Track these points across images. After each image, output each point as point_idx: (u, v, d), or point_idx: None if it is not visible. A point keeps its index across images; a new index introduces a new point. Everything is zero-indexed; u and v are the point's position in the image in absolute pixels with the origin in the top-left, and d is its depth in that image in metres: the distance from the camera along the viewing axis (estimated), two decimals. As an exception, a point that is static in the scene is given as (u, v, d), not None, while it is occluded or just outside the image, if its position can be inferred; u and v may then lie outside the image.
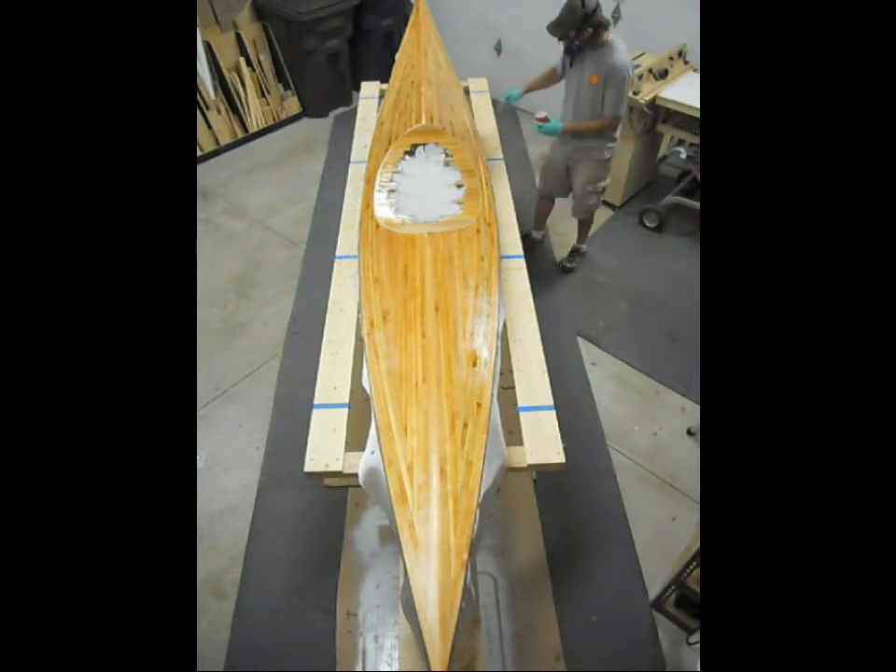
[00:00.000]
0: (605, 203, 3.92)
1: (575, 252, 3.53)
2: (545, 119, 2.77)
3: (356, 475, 1.46)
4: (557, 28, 2.53)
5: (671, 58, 3.51)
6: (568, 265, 3.48)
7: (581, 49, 2.62)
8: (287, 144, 4.64)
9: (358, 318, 1.80)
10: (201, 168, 4.25)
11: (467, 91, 3.08)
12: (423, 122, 2.35)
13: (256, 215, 3.91)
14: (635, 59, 3.69)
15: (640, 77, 3.34)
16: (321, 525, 2.26)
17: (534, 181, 4.02)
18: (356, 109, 3.10)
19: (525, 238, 3.37)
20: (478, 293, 1.69)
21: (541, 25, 3.94)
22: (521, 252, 2.15)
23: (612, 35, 2.60)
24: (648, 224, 3.75)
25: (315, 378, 1.69)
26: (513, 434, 1.57)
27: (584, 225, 3.42)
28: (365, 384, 1.52)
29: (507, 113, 4.21)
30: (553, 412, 1.60)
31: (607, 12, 3.87)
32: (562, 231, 3.75)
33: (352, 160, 2.65)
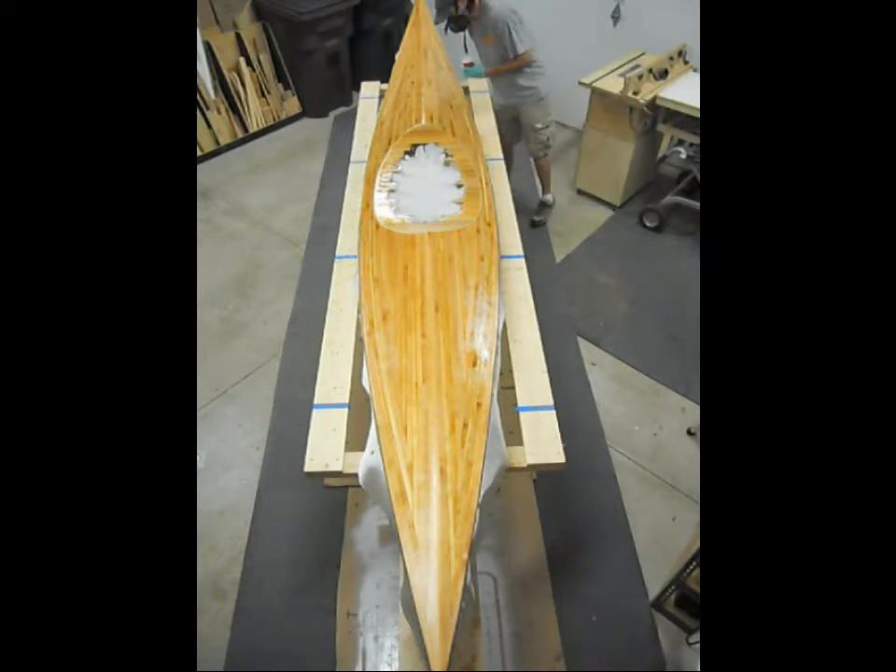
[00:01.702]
0: (605, 203, 3.94)
1: (542, 204, 3.73)
2: (471, 64, 3.16)
3: (356, 475, 1.46)
4: (440, 14, 2.91)
5: (671, 58, 3.51)
6: (537, 219, 3.67)
7: (467, 21, 2.97)
8: (287, 144, 4.64)
9: (358, 318, 1.80)
10: (201, 168, 4.26)
11: (467, 91, 3.08)
12: (423, 122, 2.35)
13: (256, 215, 3.91)
14: (635, 59, 3.71)
15: (640, 77, 3.34)
16: (321, 525, 2.26)
17: (534, 181, 4.03)
18: (356, 109, 3.09)
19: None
20: (478, 293, 1.69)
21: (541, 25, 3.94)
22: (521, 252, 2.15)
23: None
24: (648, 224, 3.75)
25: (315, 378, 1.69)
26: (513, 434, 1.57)
27: (543, 172, 3.63)
28: (365, 384, 1.51)
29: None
30: (553, 412, 1.60)
31: (606, 12, 3.92)
32: (562, 231, 3.75)
33: (352, 160, 2.65)
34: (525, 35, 3.01)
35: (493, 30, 2.94)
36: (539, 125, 3.37)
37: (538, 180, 3.75)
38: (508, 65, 3.10)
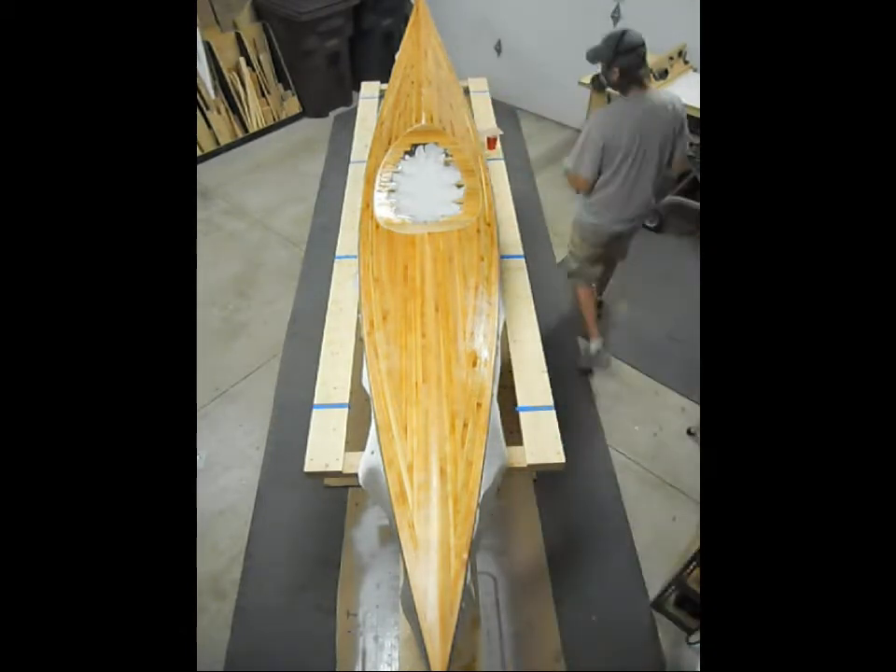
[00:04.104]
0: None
1: (585, 352, 2.79)
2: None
3: (356, 475, 1.46)
4: (591, 55, 2.23)
5: (671, 58, 3.51)
6: (582, 366, 2.85)
7: (605, 87, 2.34)
8: (286, 144, 4.63)
9: (358, 318, 1.80)
10: (201, 168, 4.25)
11: (467, 91, 3.08)
12: (423, 122, 2.35)
13: (256, 215, 3.91)
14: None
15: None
16: (321, 525, 2.26)
17: (534, 181, 4.00)
18: (356, 109, 3.10)
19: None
20: (478, 293, 1.69)
21: (541, 25, 3.94)
22: (521, 252, 2.15)
23: (648, 93, 2.23)
24: (648, 224, 3.74)
25: (315, 378, 1.69)
26: (513, 434, 1.57)
27: (579, 307, 2.80)
28: (365, 384, 1.52)
29: (507, 113, 4.21)
30: (553, 411, 1.60)
31: (606, 12, 3.92)
32: (562, 231, 3.74)
33: (352, 160, 2.65)
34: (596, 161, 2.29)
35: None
36: (571, 248, 2.72)
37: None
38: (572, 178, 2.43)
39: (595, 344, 2.77)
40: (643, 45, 2.12)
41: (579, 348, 2.84)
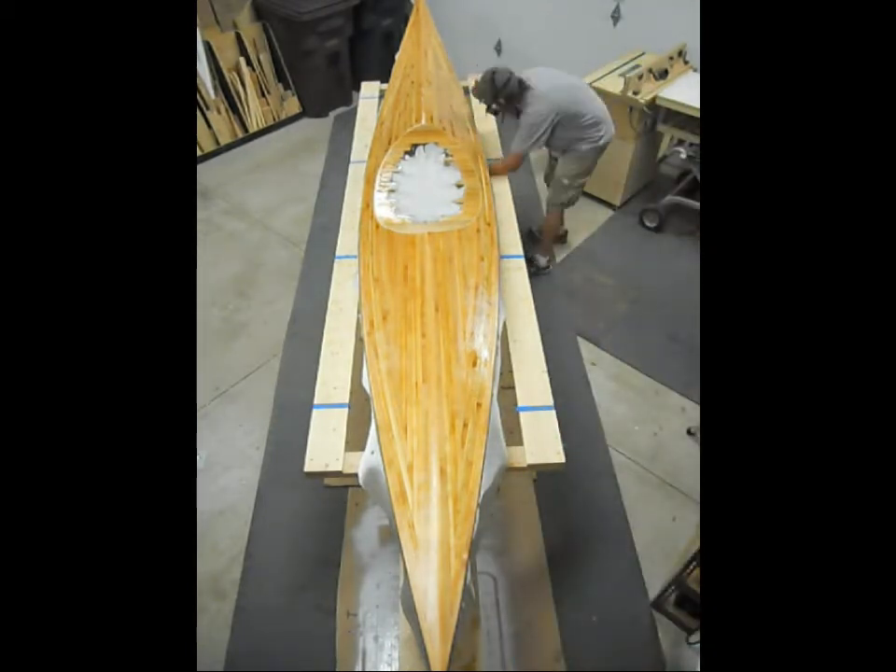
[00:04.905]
0: (605, 203, 3.93)
1: (529, 261, 2.75)
2: None
3: (356, 475, 1.46)
4: (478, 95, 2.79)
5: (671, 58, 3.51)
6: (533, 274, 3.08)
7: (503, 111, 2.84)
8: (287, 144, 4.63)
9: (358, 318, 1.80)
10: (201, 168, 4.25)
11: (467, 91, 3.09)
12: (423, 122, 2.35)
13: (256, 215, 3.91)
14: (635, 59, 3.71)
15: (640, 77, 3.34)
16: (321, 525, 2.26)
17: (534, 181, 4.02)
18: (356, 109, 3.10)
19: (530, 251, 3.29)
20: (478, 293, 1.69)
21: (541, 25, 3.94)
22: (521, 252, 2.15)
23: (532, 94, 2.67)
24: (648, 224, 3.75)
25: (315, 378, 1.69)
26: (513, 434, 1.57)
27: (546, 228, 3.29)
28: (365, 384, 1.52)
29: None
30: (553, 412, 1.60)
31: (606, 12, 3.92)
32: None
33: (352, 160, 2.65)
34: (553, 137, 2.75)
35: (521, 119, 2.73)
36: (566, 181, 3.02)
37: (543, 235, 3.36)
38: (496, 166, 2.67)
39: (545, 260, 3.37)
40: (511, 74, 2.65)
41: (533, 261, 3.32)
